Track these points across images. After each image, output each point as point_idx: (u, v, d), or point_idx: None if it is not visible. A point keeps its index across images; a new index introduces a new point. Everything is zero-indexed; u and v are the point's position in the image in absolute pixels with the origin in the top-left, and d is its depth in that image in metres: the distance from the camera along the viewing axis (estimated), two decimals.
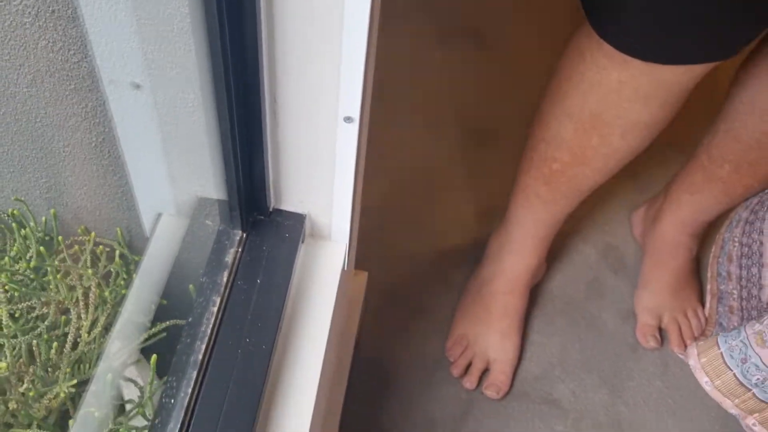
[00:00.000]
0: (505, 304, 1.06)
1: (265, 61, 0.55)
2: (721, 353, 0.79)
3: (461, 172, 1.28)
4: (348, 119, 0.58)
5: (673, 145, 1.33)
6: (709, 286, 1.07)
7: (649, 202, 1.21)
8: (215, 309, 0.63)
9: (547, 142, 0.89)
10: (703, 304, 1.10)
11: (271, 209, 0.70)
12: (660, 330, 1.11)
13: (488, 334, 1.06)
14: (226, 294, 0.64)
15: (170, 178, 0.70)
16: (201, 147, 0.65)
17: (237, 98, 0.57)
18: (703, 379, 0.82)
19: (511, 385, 1.06)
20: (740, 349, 0.76)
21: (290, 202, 0.70)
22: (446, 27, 1.50)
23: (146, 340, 0.69)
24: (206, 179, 0.70)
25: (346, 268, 0.72)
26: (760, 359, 0.74)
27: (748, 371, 0.76)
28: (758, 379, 0.76)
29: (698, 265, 1.15)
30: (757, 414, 0.80)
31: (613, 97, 0.78)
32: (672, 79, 0.75)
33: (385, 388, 1.04)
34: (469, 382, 1.05)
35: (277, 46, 0.54)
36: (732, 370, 0.77)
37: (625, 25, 0.72)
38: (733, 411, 0.82)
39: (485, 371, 1.06)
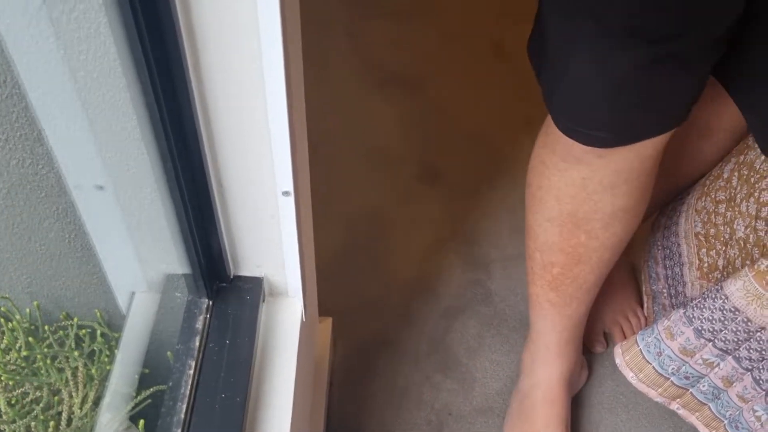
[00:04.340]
0: (546, 417, 1.05)
1: (208, 156, 0.65)
2: (640, 350, 0.88)
3: (408, 210, 1.38)
4: (286, 193, 0.68)
5: None
6: (644, 288, 1.17)
7: None
8: (191, 371, 0.71)
9: (541, 251, 0.92)
10: (641, 305, 1.20)
11: (231, 276, 0.79)
12: (605, 334, 1.20)
13: None
14: (200, 357, 0.73)
15: (139, 260, 0.78)
16: (163, 231, 0.74)
17: (188, 188, 0.66)
18: (629, 375, 0.91)
19: None
20: (655, 344, 0.86)
21: (248, 268, 0.79)
22: (381, 74, 1.61)
23: (133, 408, 0.77)
24: (171, 257, 0.78)
25: (305, 319, 0.81)
26: (672, 351, 0.84)
27: (663, 363, 0.86)
28: (673, 368, 0.86)
29: (632, 268, 1.26)
30: (678, 399, 0.90)
31: (582, 194, 0.82)
32: (627, 165, 0.79)
33: (362, 419, 1.13)
34: None
35: (216, 141, 0.64)
36: (651, 363, 0.87)
37: (566, 106, 0.77)
38: (659, 399, 0.92)
39: None
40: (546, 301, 0.97)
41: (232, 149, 0.64)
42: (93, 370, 0.77)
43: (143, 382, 0.79)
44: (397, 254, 1.32)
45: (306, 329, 0.84)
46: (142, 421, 0.70)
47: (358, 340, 1.21)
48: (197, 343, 0.73)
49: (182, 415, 0.68)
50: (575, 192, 0.84)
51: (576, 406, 1.14)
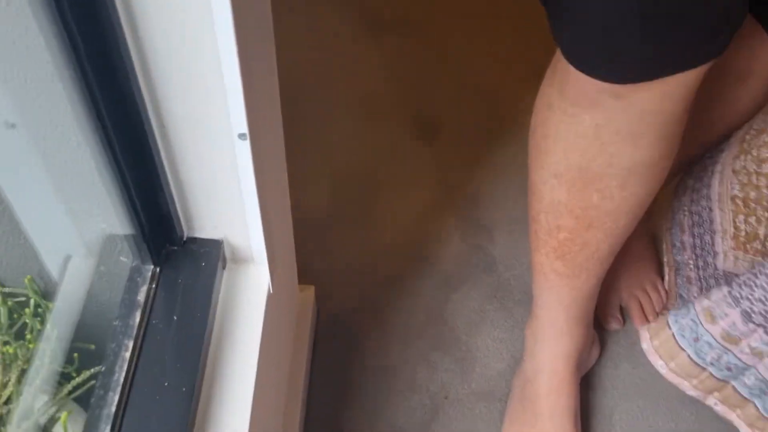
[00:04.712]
0: (551, 406, 0.93)
1: (144, 88, 0.51)
2: (673, 334, 0.76)
3: (403, 168, 1.25)
4: (242, 136, 0.54)
5: None
6: (665, 258, 1.04)
7: None
8: (128, 354, 0.58)
9: (546, 213, 0.80)
10: (662, 277, 1.07)
11: (184, 238, 0.66)
12: (621, 309, 1.08)
13: None
14: (140, 336, 0.60)
15: (72, 217, 0.65)
16: (97, 183, 0.60)
17: (119, 129, 0.52)
18: (658, 363, 0.79)
19: None
20: (691, 328, 0.73)
21: (203, 229, 0.66)
22: (374, 19, 1.46)
23: (71, 391, 0.65)
24: (110, 215, 0.65)
25: (272, 291, 0.68)
26: (712, 336, 0.71)
27: (701, 350, 0.73)
28: (712, 357, 0.73)
29: (652, 238, 1.12)
30: (716, 392, 0.77)
31: (595, 145, 0.69)
32: (651, 108, 0.66)
33: (348, 401, 1.00)
34: None
35: (152, 68, 0.50)
36: (685, 351, 0.75)
37: (581, 29, 0.63)
38: (692, 392, 0.79)
39: None
40: (551, 271, 0.85)
41: (173, 80, 0.51)
42: (12, 349, 0.64)
43: (87, 361, 0.66)
44: (389, 217, 1.19)
45: (275, 301, 0.71)
46: (64, 414, 0.58)
47: (344, 312, 1.09)
48: (137, 320, 0.60)
49: (113, 408, 0.56)
50: (587, 143, 0.70)
51: (586, 388, 1.02)
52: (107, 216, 0.65)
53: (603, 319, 1.06)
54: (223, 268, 0.68)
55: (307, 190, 1.20)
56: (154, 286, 0.63)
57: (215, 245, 0.66)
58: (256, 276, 0.68)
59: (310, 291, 1.02)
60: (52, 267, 0.68)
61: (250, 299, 0.67)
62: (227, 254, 0.68)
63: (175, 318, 0.61)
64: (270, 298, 0.68)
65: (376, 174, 1.24)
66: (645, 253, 1.09)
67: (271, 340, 0.73)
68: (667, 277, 1.03)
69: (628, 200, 0.75)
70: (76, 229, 0.66)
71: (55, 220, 0.64)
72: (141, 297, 0.62)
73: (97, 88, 0.49)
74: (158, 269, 0.64)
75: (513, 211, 1.20)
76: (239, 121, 0.52)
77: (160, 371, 0.58)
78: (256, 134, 0.54)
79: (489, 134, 1.30)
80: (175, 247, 0.66)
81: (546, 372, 0.93)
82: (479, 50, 1.42)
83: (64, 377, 0.67)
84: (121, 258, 0.68)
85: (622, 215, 0.76)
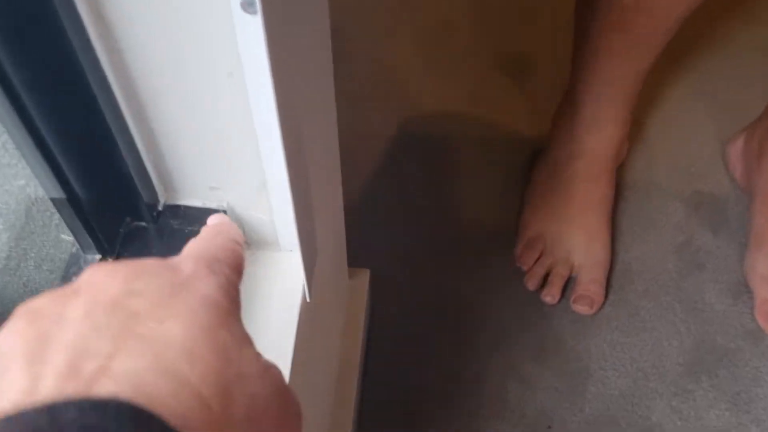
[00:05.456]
0: (587, 194, 0.84)
1: None
2: None
3: (487, 113, 0.96)
4: (247, 4, 0.26)
5: (761, 49, 0.99)
6: None
7: (747, 130, 0.89)
8: None
9: None
10: None
11: (159, 207, 0.39)
12: None
13: (570, 234, 0.84)
14: None
15: None
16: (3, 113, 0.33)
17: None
18: None
19: (606, 296, 0.81)
20: None
21: (193, 191, 0.38)
22: None
23: None
24: (38, 166, 0.38)
25: (308, 299, 0.41)
26: None
27: None
28: None
29: None
30: None
31: None
32: None
33: (409, 428, 0.74)
34: (550, 296, 0.82)
35: None
36: None
37: None
38: None
39: (569, 280, 0.83)
40: (605, 48, 0.76)
41: None
42: None
43: None
44: (466, 178, 0.91)
45: (312, 311, 0.44)
46: None
47: (408, 304, 0.81)
48: None
49: None
50: None
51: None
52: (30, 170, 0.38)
53: (765, 319, 0.79)
54: None
55: (356, 147, 0.91)
56: None
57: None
58: (282, 270, 0.41)
59: (363, 277, 0.75)
60: None
61: (273, 309, 0.40)
62: None
63: None
64: (305, 307, 0.41)
65: (455, 115, 0.95)
66: None
67: (307, 368, 0.46)
68: None
69: None
70: None
71: None
72: None
73: None
74: (110, 259, 0.37)
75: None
76: None
77: None
78: (274, 6, 0.26)
79: None
80: (143, 223, 0.38)
81: (584, 159, 0.84)
82: None
83: None
84: (63, 236, 0.41)
85: None
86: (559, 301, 0.81)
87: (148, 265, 0.23)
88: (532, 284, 0.82)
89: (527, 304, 0.82)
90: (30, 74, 0.30)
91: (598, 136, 0.84)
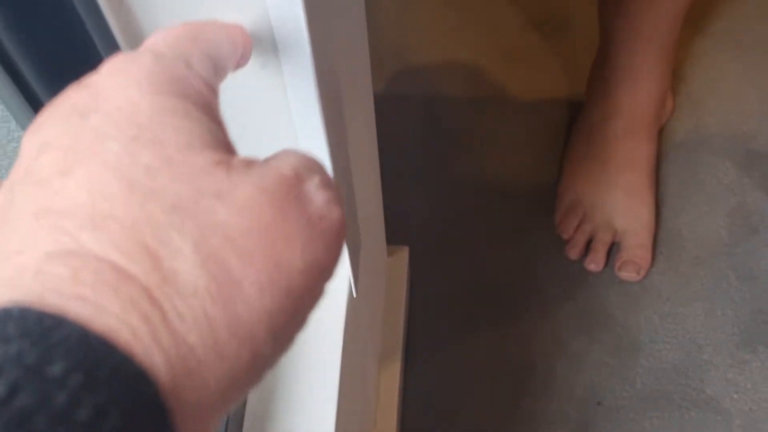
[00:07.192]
0: (627, 152, 0.80)
1: None
2: None
3: (523, 74, 0.91)
4: None
5: None
6: None
7: None
8: None
9: None
10: None
11: None
12: None
13: (609, 196, 0.79)
14: None
15: None
16: None
17: None
18: None
19: (654, 264, 0.78)
20: None
21: None
22: None
23: None
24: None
25: (355, 294, 0.38)
26: None
27: None
28: None
29: None
30: None
31: None
32: None
33: (455, 407, 0.72)
34: (594, 263, 0.78)
35: None
36: None
37: None
38: None
39: (612, 245, 0.79)
40: None
41: None
42: None
43: None
44: (504, 143, 0.87)
45: (358, 305, 0.41)
46: None
47: (446, 279, 0.79)
48: None
49: None
50: None
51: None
52: None
53: None
54: None
55: (390, 112, 0.88)
56: None
57: None
58: None
59: (402, 255, 0.72)
60: None
61: (318, 309, 0.37)
62: None
63: None
64: (351, 304, 0.38)
65: (487, 75, 0.91)
66: None
67: (355, 362, 0.43)
68: None
69: None
70: None
71: None
72: None
73: None
74: None
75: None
76: None
77: None
78: None
79: None
80: None
81: (621, 117, 0.80)
82: None
83: None
84: None
85: None
86: (604, 268, 0.78)
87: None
88: (573, 253, 0.79)
89: (570, 274, 0.78)
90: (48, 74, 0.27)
91: (633, 92, 0.79)
